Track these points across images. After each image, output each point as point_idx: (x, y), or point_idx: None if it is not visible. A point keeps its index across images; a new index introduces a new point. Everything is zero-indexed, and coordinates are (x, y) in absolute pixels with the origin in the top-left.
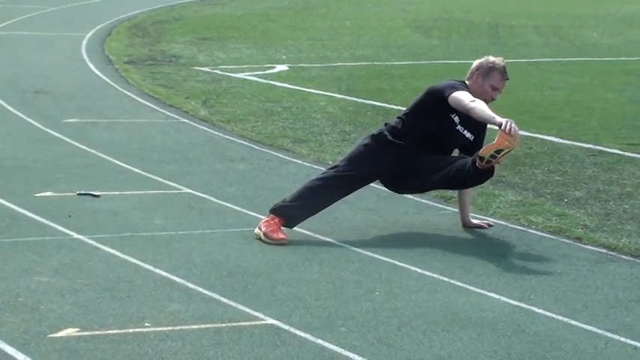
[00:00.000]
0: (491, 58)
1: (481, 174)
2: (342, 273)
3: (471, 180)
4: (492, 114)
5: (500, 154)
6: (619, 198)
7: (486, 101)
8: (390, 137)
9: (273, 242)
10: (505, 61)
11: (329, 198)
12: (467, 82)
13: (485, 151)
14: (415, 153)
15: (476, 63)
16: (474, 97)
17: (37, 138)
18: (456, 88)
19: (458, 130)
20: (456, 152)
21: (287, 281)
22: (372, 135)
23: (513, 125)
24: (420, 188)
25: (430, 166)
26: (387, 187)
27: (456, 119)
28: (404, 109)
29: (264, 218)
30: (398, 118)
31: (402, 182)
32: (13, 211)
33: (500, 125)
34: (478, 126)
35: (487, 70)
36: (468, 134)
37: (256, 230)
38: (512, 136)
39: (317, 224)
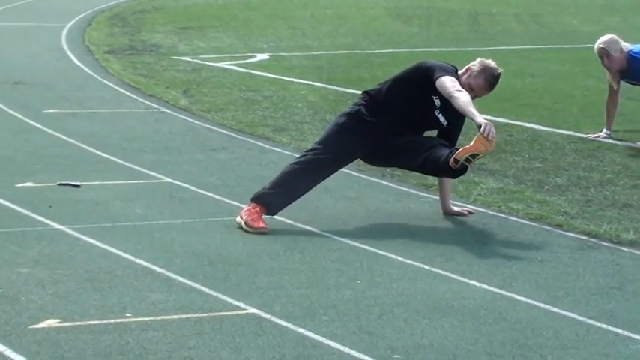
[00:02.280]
0: (491, 64)
1: (454, 172)
2: (323, 262)
3: (444, 174)
4: (474, 111)
5: (476, 158)
6: (599, 185)
7: (472, 96)
8: (365, 115)
9: (254, 231)
10: (501, 72)
11: (309, 183)
12: (459, 70)
13: (460, 153)
14: (391, 131)
15: (478, 59)
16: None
17: (17, 129)
18: (446, 72)
19: (434, 114)
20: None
21: (268, 270)
22: (348, 113)
23: (492, 130)
24: (396, 165)
25: (409, 148)
26: (365, 162)
27: (437, 102)
28: None
29: (245, 207)
30: (379, 85)
31: (379, 158)
32: None
33: (479, 127)
34: (456, 114)
35: (478, 71)
36: (442, 119)
37: (237, 219)
38: (489, 141)
39: (298, 213)
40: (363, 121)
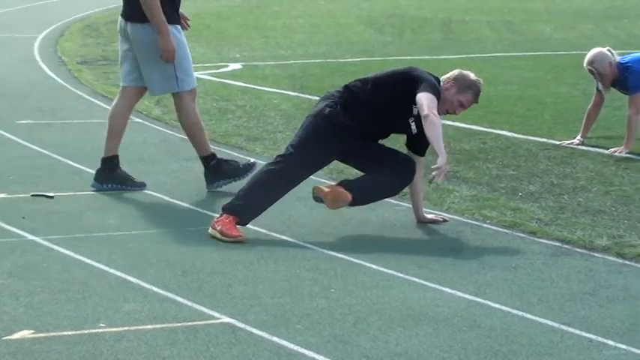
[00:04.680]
0: (473, 77)
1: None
2: (297, 270)
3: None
4: (441, 144)
5: (318, 198)
6: (573, 191)
7: (447, 112)
8: (342, 117)
9: (231, 239)
10: (481, 83)
11: (281, 191)
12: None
13: (321, 192)
14: (363, 137)
15: (456, 72)
16: (441, 103)
17: None
18: (430, 90)
19: (409, 121)
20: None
21: (242, 279)
22: (325, 115)
23: (442, 177)
24: (356, 167)
25: (372, 156)
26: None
27: (415, 111)
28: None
29: (215, 217)
30: (359, 81)
31: (347, 160)
32: None
33: (437, 166)
34: None
35: (464, 87)
36: (414, 127)
37: (210, 230)
38: (336, 201)
39: (272, 222)
40: (338, 125)
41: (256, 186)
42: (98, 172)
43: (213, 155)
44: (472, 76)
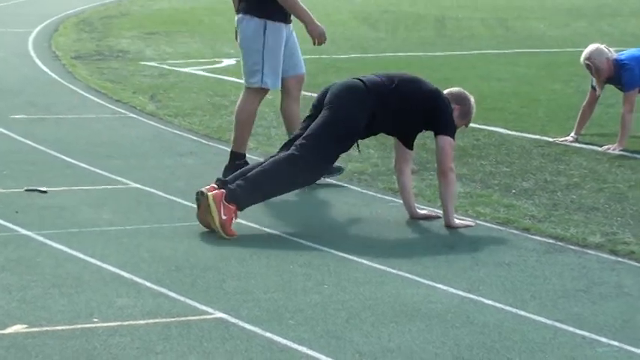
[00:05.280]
0: (472, 101)
1: None
2: (290, 266)
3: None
4: (452, 206)
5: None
6: (566, 188)
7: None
8: (360, 123)
9: (225, 235)
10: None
11: (287, 188)
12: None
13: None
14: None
15: (460, 94)
16: None
17: None
18: (452, 132)
19: (413, 131)
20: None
21: (235, 275)
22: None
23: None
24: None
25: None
26: None
27: (422, 128)
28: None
29: (214, 188)
30: (394, 88)
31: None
32: None
33: (448, 225)
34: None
35: (465, 112)
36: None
37: (211, 203)
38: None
39: (265, 217)
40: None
41: (268, 180)
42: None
43: (243, 156)
44: (472, 100)
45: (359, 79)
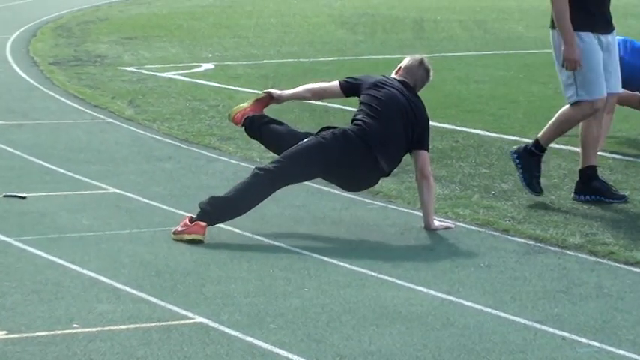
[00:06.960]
0: (422, 59)
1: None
2: (270, 270)
3: None
4: (432, 208)
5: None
6: (545, 189)
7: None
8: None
9: (191, 236)
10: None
11: (260, 201)
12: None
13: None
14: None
15: (409, 65)
16: None
17: None
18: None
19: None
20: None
21: (215, 279)
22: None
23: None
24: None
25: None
26: None
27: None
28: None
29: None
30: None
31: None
32: None
33: (427, 227)
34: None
35: (417, 67)
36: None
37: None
38: None
39: (245, 221)
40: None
41: (242, 200)
42: (576, 183)
43: (594, 168)
44: (422, 68)
45: (367, 145)
